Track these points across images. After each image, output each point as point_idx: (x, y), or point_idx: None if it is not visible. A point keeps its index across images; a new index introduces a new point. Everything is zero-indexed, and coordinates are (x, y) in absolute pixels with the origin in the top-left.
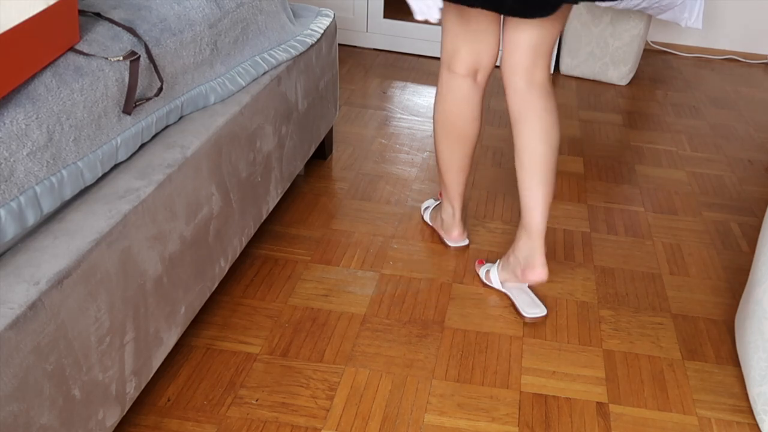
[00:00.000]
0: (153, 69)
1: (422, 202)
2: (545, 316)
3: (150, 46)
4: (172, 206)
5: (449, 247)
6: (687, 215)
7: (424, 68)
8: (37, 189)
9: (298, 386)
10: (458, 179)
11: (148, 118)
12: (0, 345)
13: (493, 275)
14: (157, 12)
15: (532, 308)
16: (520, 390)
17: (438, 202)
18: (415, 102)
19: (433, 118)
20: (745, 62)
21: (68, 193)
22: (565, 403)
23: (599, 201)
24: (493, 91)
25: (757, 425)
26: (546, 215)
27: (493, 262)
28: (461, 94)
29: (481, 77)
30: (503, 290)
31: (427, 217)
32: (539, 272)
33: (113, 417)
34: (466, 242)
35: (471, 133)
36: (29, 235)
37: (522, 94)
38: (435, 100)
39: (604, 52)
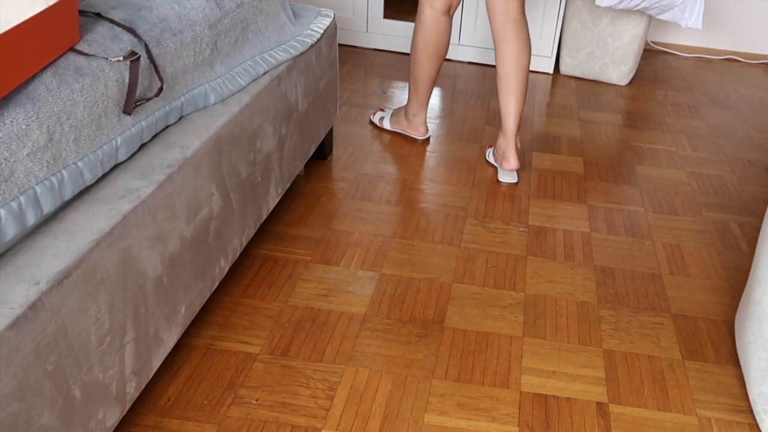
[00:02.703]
0: (153, 69)
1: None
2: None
3: (150, 47)
4: (172, 206)
5: (417, 141)
6: (687, 215)
7: None
8: (37, 189)
9: (298, 386)
10: (431, 88)
11: (148, 118)
12: (0, 345)
13: (385, 122)
14: (157, 12)
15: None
16: (520, 390)
17: (391, 110)
18: None
19: (414, 46)
20: (745, 62)
21: (68, 193)
22: (565, 403)
23: (599, 201)
24: (493, 91)
25: (757, 425)
26: (517, 120)
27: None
28: (441, 25)
29: (452, 11)
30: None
31: (387, 125)
32: (512, 162)
33: (113, 417)
34: (429, 134)
35: (445, 52)
36: (29, 235)
37: (499, 26)
38: (415, 31)
39: (604, 52)
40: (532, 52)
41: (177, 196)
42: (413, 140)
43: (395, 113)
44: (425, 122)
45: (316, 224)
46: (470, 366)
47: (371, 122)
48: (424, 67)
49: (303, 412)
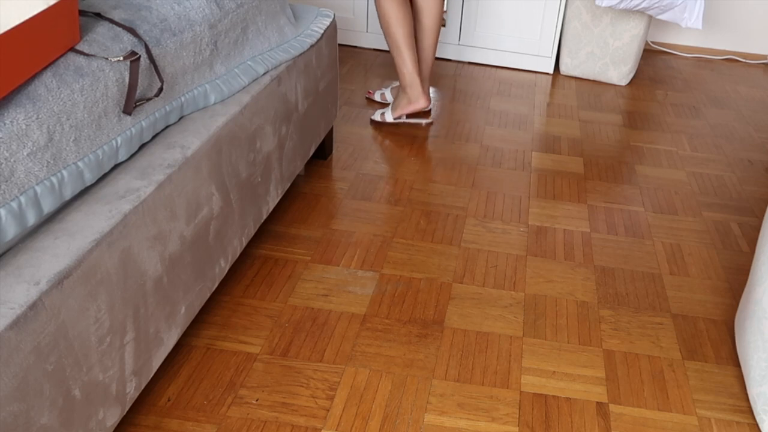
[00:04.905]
0: (153, 69)
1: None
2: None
3: (150, 47)
4: (172, 206)
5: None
6: (687, 215)
7: None
8: (38, 189)
9: (298, 386)
10: (414, 50)
11: (149, 118)
12: (0, 345)
13: (387, 115)
14: (158, 12)
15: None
16: (520, 390)
17: (389, 105)
18: None
19: (382, 12)
20: (745, 62)
21: (68, 193)
22: (565, 403)
23: (599, 201)
24: (493, 91)
25: (757, 425)
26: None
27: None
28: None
29: None
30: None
31: (389, 117)
32: (424, 101)
33: (113, 417)
34: (431, 104)
35: (410, 9)
36: (29, 235)
37: None
38: (378, 5)
39: (604, 52)
40: (531, 53)
41: (177, 196)
42: (413, 140)
43: (393, 102)
44: (425, 91)
45: (315, 224)
46: (470, 366)
47: (372, 121)
48: (399, 28)
49: (303, 412)
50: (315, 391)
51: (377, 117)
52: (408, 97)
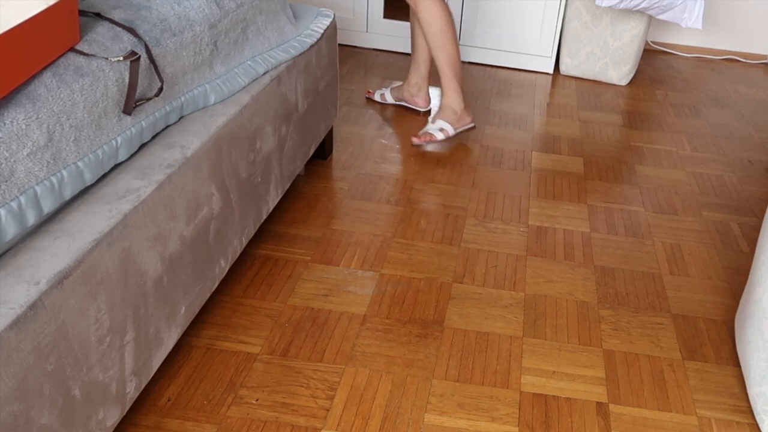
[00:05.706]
0: (153, 69)
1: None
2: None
3: (150, 47)
4: (172, 206)
5: (473, 127)
6: (687, 215)
7: None
8: (37, 189)
9: (298, 386)
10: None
11: (149, 118)
12: (0, 345)
13: (387, 95)
14: (158, 12)
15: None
16: (520, 390)
17: (437, 119)
18: None
19: (439, 31)
20: (745, 62)
21: (68, 193)
22: (565, 403)
23: (599, 201)
24: (493, 91)
25: (757, 425)
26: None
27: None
28: (446, 6)
29: None
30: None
31: (451, 131)
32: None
33: (113, 417)
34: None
35: None
36: (29, 235)
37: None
38: (434, 18)
39: (604, 52)
40: (532, 53)
41: (177, 196)
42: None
43: (445, 115)
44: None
45: (316, 224)
46: (470, 366)
47: (419, 144)
48: (455, 47)
49: (303, 412)
50: (315, 391)
51: (438, 135)
52: (462, 112)
